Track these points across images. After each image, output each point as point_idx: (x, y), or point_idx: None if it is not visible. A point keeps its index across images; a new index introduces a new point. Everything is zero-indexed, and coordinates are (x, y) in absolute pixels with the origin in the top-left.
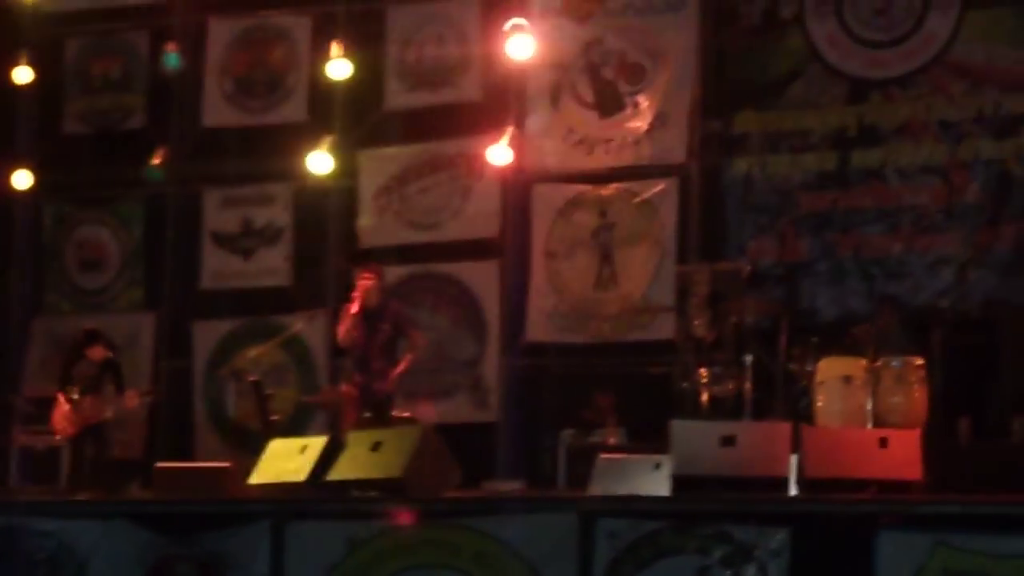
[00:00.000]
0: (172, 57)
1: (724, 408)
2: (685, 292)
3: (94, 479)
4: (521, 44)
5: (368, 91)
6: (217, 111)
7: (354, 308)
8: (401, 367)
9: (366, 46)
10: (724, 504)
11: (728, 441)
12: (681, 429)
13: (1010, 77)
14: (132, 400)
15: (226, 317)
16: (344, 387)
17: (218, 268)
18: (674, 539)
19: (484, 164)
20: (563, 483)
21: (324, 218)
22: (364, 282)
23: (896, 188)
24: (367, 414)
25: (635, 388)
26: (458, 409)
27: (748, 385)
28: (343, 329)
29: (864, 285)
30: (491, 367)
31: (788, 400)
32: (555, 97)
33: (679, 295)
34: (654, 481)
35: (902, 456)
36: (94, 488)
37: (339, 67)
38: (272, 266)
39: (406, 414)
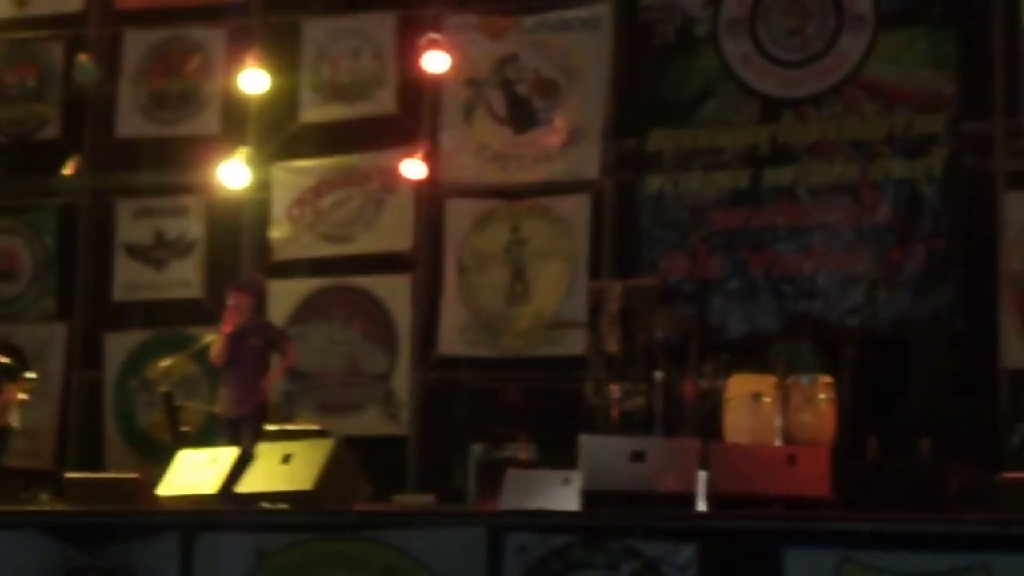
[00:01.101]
0: (87, 67)
1: (634, 424)
2: (597, 308)
3: None
4: (436, 59)
5: (283, 104)
6: (131, 122)
7: (226, 328)
8: (273, 378)
9: (281, 59)
10: (633, 519)
11: (638, 457)
12: (591, 444)
13: (921, 97)
14: (11, 394)
15: (138, 328)
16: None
17: (130, 279)
18: (583, 554)
19: (398, 178)
20: (473, 497)
21: (237, 230)
22: (234, 302)
23: (807, 206)
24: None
25: (546, 403)
26: (369, 423)
27: (658, 401)
28: (215, 351)
29: (775, 303)
30: (402, 381)
31: (698, 416)
32: (469, 112)
33: (591, 311)
34: (563, 496)
35: (810, 473)
36: None
37: (254, 80)
38: (184, 278)
39: (315, 426)
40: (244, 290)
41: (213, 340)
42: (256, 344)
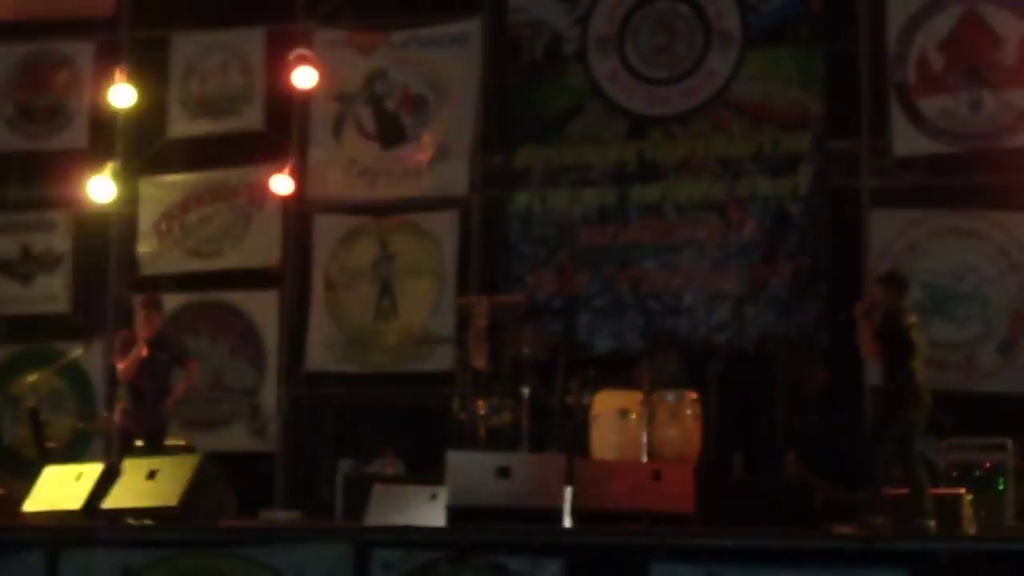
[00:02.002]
0: None
1: (501, 440)
2: (464, 324)
3: None
4: (305, 75)
5: (150, 119)
6: None
7: (144, 351)
8: (178, 393)
9: (149, 73)
10: (499, 535)
11: (504, 472)
12: (457, 460)
13: (787, 116)
14: None
15: (4, 343)
16: (115, 415)
17: None
18: (449, 570)
19: (266, 193)
20: (340, 513)
21: (104, 245)
22: (149, 317)
23: (674, 224)
24: (139, 443)
25: (413, 419)
26: (236, 438)
27: (525, 417)
28: (127, 365)
29: (642, 319)
30: (270, 396)
31: (564, 432)
32: (338, 128)
33: (458, 327)
34: (430, 511)
35: (675, 489)
36: None
37: (122, 94)
38: (51, 292)
39: (181, 442)
40: (155, 305)
41: (79, 354)
42: (163, 359)
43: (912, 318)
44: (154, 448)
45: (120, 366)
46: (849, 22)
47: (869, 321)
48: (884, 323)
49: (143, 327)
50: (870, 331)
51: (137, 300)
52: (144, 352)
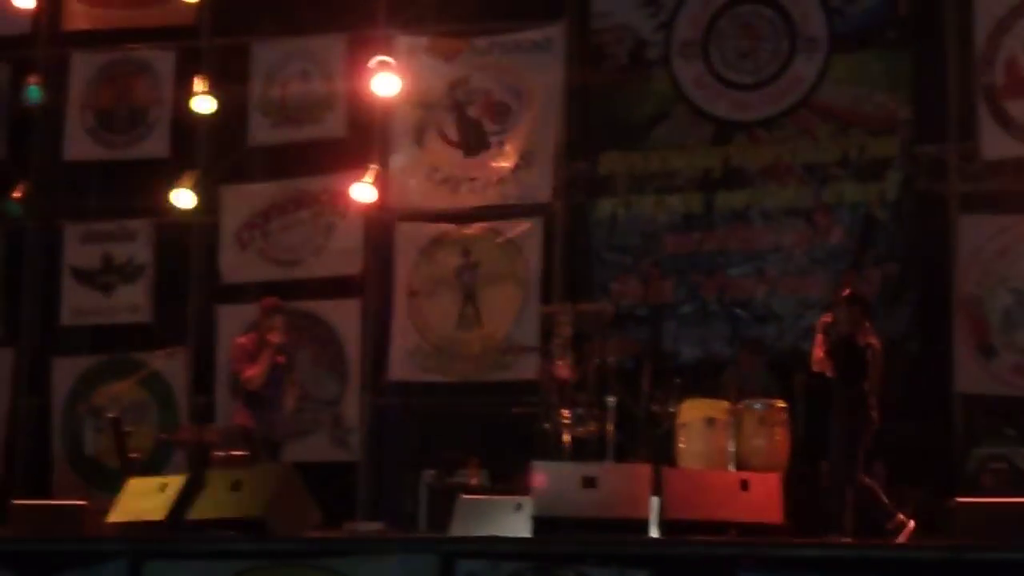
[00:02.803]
0: (34, 90)
1: (587, 450)
2: (548, 333)
3: None
4: (386, 81)
5: (232, 127)
6: (78, 145)
7: (280, 358)
8: (291, 403)
9: (230, 81)
10: (585, 546)
11: (589, 483)
12: (542, 470)
13: (874, 120)
14: None
15: (85, 353)
16: (235, 421)
17: (78, 304)
18: None
19: (347, 201)
20: (424, 524)
21: (186, 255)
22: (278, 322)
23: (761, 230)
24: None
25: (497, 429)
26: (319, 448)
27: (610, 427)
28: (256, 372)
29: (728, 327)
30: (352, 406)
31: (650, 442)
32: (420, 135)
33: (542, 335)
34: (515, 522)
35: (763, 499)
36: None
37: (202, 102)
38: (133, 302)
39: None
40: (281, 310)
41: (161, 365)
42: (283, 363)
43: (871, 340)
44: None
45: (248, 373)
46: (936, 25)
47: (828, 337)
48: (839, 342)
49: (274, 333)
50: (826, 346)
51: (260, 305)
52: (280, 359)
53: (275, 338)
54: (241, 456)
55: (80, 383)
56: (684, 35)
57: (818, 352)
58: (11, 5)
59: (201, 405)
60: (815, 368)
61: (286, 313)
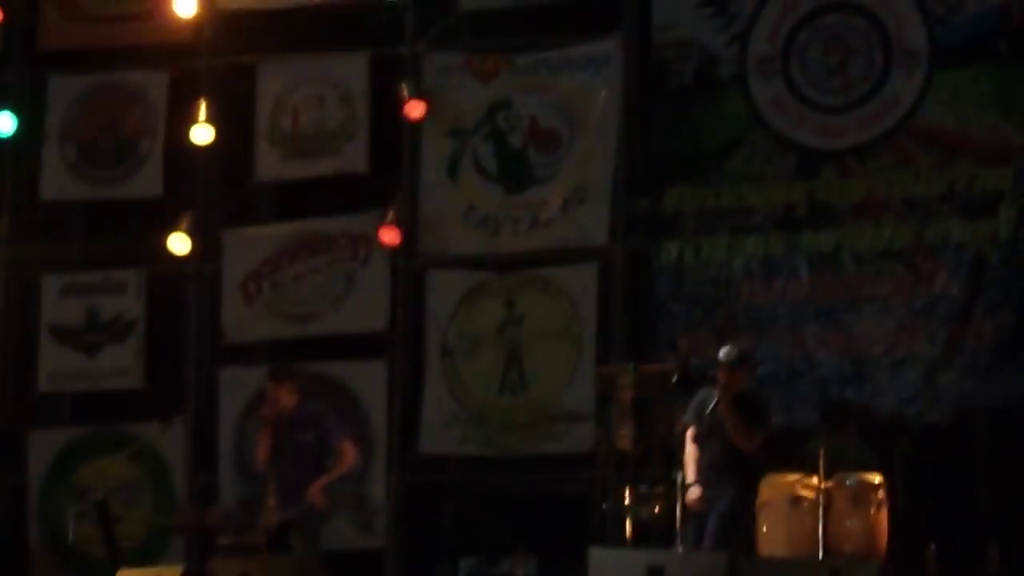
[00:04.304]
0: (5, 119)
1: (652, 534)
2: (606, 397)
3: None
4: (415, 107)
5: (235, 160)
6: (57, 183)
7: (269, 434)
8: (322, 482)
9: (233, 107)
10: None
11: (656, 572)
12: (601, 558)
13: (985, 147)
14: None
15: (67, 425)
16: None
17: (58, 367)
18: None
19: (371, 246)
20: None
21: (182, 309)
22: (273, 394)
23: (853, 276)
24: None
25: (547, 509)
26: (339, 533)
27: (679, 507)
28: (259, 453)
29: (816, 389)
30: (378, 484)
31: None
32: (454, 168)
33: (599, 400)
34: None
35: None
36: None
37: (201, 132)
38: (121, 365)
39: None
40: (281, 375)
41: (155, 438)
42: (306, 439)
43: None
44: (305, 540)
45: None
46: None
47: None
48: (749, 404)
49: (269, 404)
50: (743, 419)
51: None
52: (270, 435)
53: (266, 411)
54: (251, 543)
55: (61, 459)
56: (761, 49)
57: (739, 429)
58: None
59: (202, 485)
60: (746, 446)
61: (296, 377)
